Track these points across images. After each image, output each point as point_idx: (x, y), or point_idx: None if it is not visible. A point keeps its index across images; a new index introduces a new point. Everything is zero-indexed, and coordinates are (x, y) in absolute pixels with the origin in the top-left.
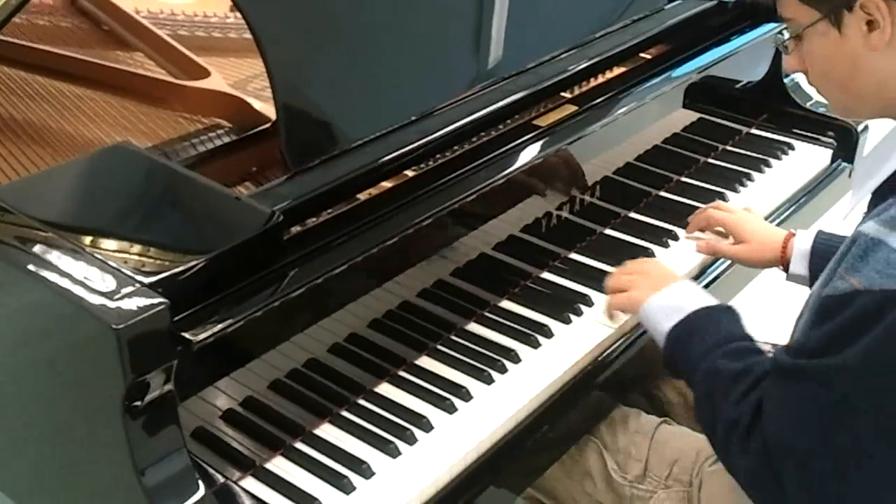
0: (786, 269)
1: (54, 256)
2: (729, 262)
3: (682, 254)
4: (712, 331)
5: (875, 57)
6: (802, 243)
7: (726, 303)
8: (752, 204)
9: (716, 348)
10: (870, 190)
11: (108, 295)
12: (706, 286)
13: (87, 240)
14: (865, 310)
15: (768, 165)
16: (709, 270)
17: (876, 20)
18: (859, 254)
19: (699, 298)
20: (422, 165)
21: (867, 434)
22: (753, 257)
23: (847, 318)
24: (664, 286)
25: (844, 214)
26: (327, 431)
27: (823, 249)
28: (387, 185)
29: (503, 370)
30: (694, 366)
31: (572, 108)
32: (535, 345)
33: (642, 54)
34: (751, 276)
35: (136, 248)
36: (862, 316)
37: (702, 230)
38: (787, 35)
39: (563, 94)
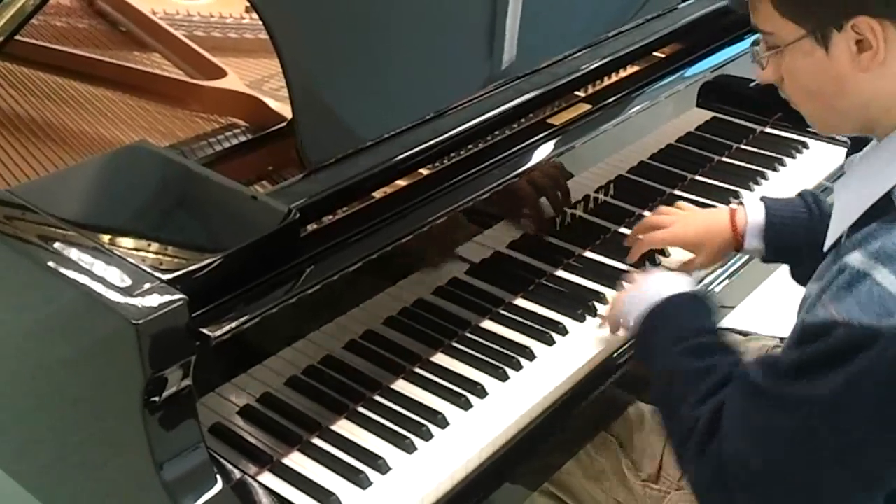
0: (739, 244)
1: (74, 254)
2: (744, 260)
3: None
4: (676, 323)
5: (862, 77)
6: (755, 215)
7: (702, 290)
8: None
9: (679, 342)
10: (853, 219)
11: (128, 291)
12: (721, 284)
13: (107, 237)
14: (842, 343)
15: (782, 164)
16: (726, 266)
17: (867, 41)
18: (843, 285)
19: (672, 286)
20: (437, 164)
21: (829, 467)
22: (711, 258)
23: (822, 348)
24: (664, 293)
25: (826, 245)
26: (343, 427)
27: (777, 217)
28: (402, 183)
29: (518, 367)
30: (653, 358)
31: (586, 107)
32: (549, 342)
33: (656, 53)
34: (767, 273)
35: (155, 245)
36: (838, 349)
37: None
38: (762, 48)
39: (576, 92)
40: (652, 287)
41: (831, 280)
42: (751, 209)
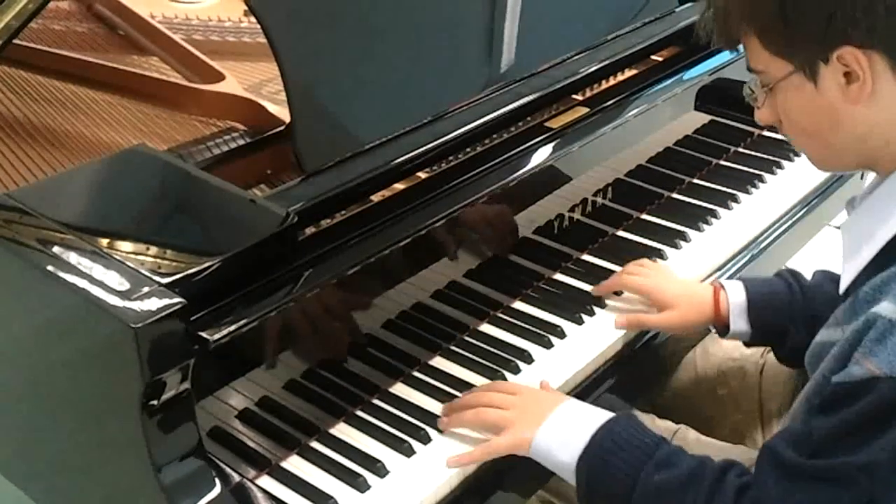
0: (722, 327)
1: (73, 258)
2: (740, 265)
3: (693, 256)
4: (627, 448)
5: (855, 110)
6: (736, 296)
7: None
8: (765, 206)
9: (641, 465)
10: (866, 260)
11: (126, 295)
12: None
13: (105, 241)
14: (888, 398)
15: (780, 167)
16: (724, 270)
17: (854, 72)
18: (877, 337)
19: (592, 416)
20: (434, 167)
21: None
22: (683, 322)
23: (866, 407)
24: (547, 413)
25: (841, 289)
26: (342, 431)
27: (759, 296)
28: (400, 186)
29: (516, 370)
30: (625, 492)
31: (584, 111)
32: (547, 345)
33: (653, 56)
34: (768, 274)
35: (154, 249)
36: (884, 405)
37: (616, 293)
38: (757, 88)
39: (574, 96)
40: (568, 419)
41: (859, 333)
42: (730, 289)
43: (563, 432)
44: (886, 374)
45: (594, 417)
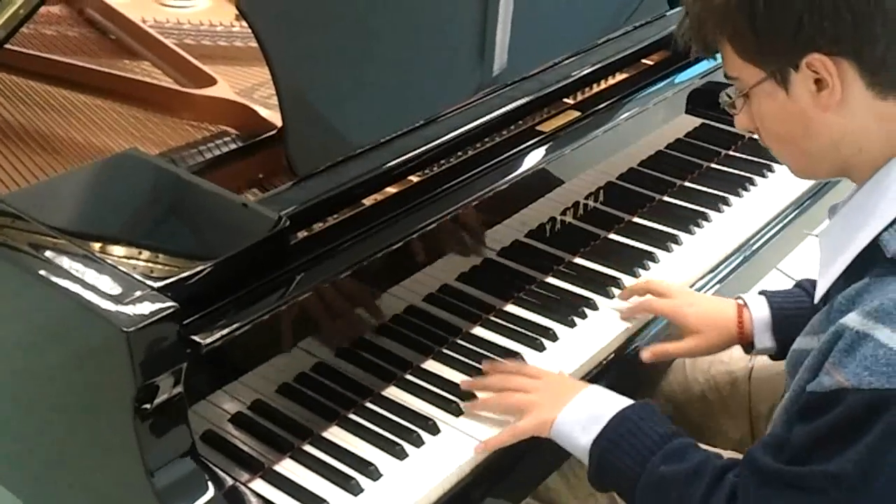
0: (747, 344)
1: (65, 262)
2: (731, 268)
3: (685, 259)
4: (639, 435)
5: (826, 117)
6: (759, 311)
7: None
8: (756, 209)
9: (650, 454)
10: (840, 269)
11: (119, 299)
12: (713, 288)
13: (98, 245)
14: (855, 410)
15: (771, 170)
16: (718, 270)
17: (824, 79)
18: (845, 348)
19: (612, 402)
20: (426, 171)
21: None
22: (709, 348)
23: (835, 418)
24: (569, 397)
25: (816, 298)
26: (335, 434)
27: (782, 311)
28: (392, 190)
29: None
30: (631, 477)
31: (576, 114)
32: (539, 348)
33: (644, 60)
34: (760, 276)
35: (146, 253)
36: (852, 417)
37: (608, 297)
38: (735, 94)
39: (566, 99)
40: (591, 403)
41: (830, 344)
42: (753, 305)
43: (583, 415)
44: (854, 385)
45: (615, 403)
